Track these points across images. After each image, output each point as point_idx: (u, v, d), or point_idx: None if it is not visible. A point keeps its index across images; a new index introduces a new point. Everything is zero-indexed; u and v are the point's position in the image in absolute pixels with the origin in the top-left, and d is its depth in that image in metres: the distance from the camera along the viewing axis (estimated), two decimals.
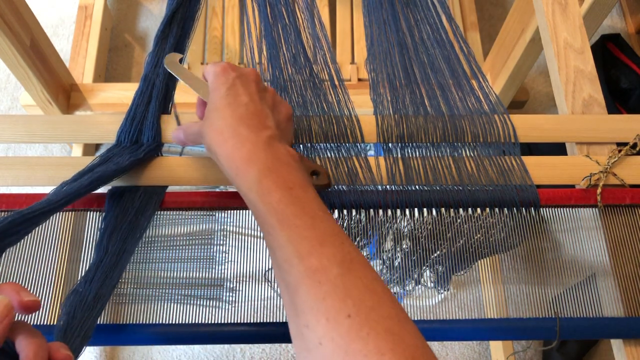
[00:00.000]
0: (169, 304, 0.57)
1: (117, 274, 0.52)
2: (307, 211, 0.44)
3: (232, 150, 0.47)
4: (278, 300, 0.56)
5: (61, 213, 0.57)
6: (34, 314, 0.53)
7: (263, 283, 0.58)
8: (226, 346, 1.14)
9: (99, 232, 0.55)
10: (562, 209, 0.61)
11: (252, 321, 0.56)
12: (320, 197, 0.47)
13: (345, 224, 0.58)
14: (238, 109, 0.49)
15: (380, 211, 0.58)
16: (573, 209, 0.61)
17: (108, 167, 0.56)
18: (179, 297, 0.57)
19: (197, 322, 0.56)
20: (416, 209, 0.59)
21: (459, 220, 0.59)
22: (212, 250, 0.60)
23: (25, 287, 0.54)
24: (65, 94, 1.17)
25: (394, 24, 0.74)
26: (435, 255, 0.59)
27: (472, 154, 0.63)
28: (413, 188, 0.60)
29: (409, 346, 0.37)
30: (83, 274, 0.51)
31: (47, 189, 0.54)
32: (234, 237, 0.60)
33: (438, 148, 0.64)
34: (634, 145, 0.64)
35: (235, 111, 0.49)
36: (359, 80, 1.25)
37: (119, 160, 0.58)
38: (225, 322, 0.56)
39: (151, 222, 0.58)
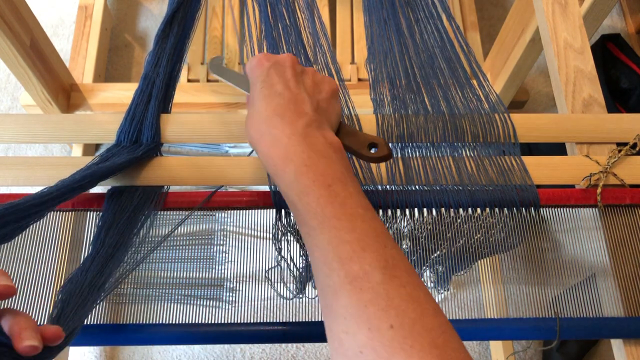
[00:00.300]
0: (169, 304, 0.57)
1: (113, 265, 0.52)
2: (347, 210, 0.42)
3: (269, 147, 0.46)
4: (278, 300, 0.56)
5: (61, 213, 0.58)
6: (34, 313, 0.53)
7: (263, 283, 0.58)
8: (226, 346, 1.14)
9: (96, 228, 0.55)
10: (562, 209, 0.61)
11: (252, 321, 0.56)
12: (363, 191, 0.45)
13: None
14: (273, 100, 0.48)
15: (380, 211, 0.58)
16: (573, 209, 0.61)
17: (103, 165, 0.56)
18: (179, 297, 0.57)
19: (197, 322, 0.56)
20: (416, 209, 0.59)
21: (459, 221, 0.58)
22: (212, 250, 0.60)
23: (25, 287, 0.54)
24: (65, 94, 1.17)
25: (394, 24, 0.74)
26: (435, 255, 0.59)
27: (472, 154, 0.63)
28: (413, 188, 0.60)
29: None
30: (79, 265, 0.51)
31: None
32: (234, 237, 0.60)
33: (438, 148, 0.64)
34: (634, 145, 0.64)
35: (270, 103, 0.48)
36: (359, 80, 1.25)
37: (117, 159, 0.58)
38: (225, 322, 0.56)
39: (151, 222, 0.58)
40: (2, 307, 0.38)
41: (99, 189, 0.57)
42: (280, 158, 0.45)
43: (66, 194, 0.50)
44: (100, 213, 0.56)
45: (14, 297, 0.52)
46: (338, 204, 0.42)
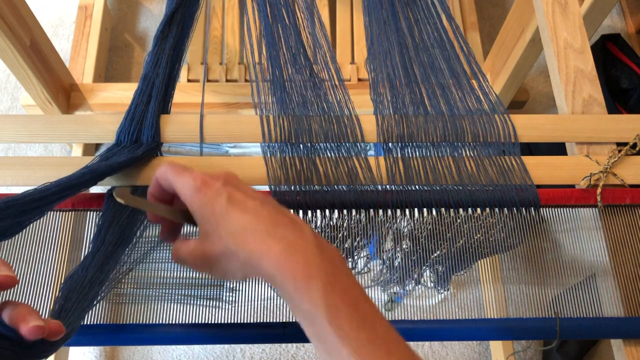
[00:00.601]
0: (169, 304, 0.57)
1: (114, 262, 0.52)
2: (379, 332, 0.38)
3: (283, 260, 0.39)
4: (278, 300, 0.56)
5: (61, 213, 0.58)
6: None
7: (263, 283, 0.58)
8: (226, 346, 1.14)
9: (96, 227, 0.55)
10: (562, 209, 0.61)
11: (252, 321, 0.56)
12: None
13: (345, 224, 0.58)
14: (257, 212, 0.42)
15: (380, 211, 0.58)
16: (573, 209, 0.61)
17: (103, 163, 0.56)
18: (179, 297, 0.57)
19: (197, 322, 0.56)
20: (416, 209, 0.59)
21: (459, 220, 0.59)
22: None
23: (26, 287, 0.54)
24: (65, 94, 1.17)
25: (394, 24, 0.74)
26: (435, 255, 0.59)
27: (472, 154, 0.63)
28: (413, 188, 0.60)
29: None
30: (80, 261, 0.51)
31: None
32: None
33: (438, 148, 0.64)
34: (634, 145, 0.64)
35: (257, 215, 0.42)
36: (359, 80, 1.25)
37: (117, 159, 0.58)
38: (225, 322, 0.56)
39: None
40: (2, 299, 0.38)
41: (99, 189, 0.57)
42: (302, 271, 0.39)
43: (66, 191, 0.50)
44: (101, 212, 0.57)
45: (14, 297, 0.52)
46: (370, 326, 0.38)
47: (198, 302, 0.57)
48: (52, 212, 0.57)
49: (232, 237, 0.41)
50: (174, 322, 0.55)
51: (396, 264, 0.59)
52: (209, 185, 0.43)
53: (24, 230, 0.54)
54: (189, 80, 1.26)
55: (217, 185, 0.44)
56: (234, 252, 0.41)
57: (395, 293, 0.60)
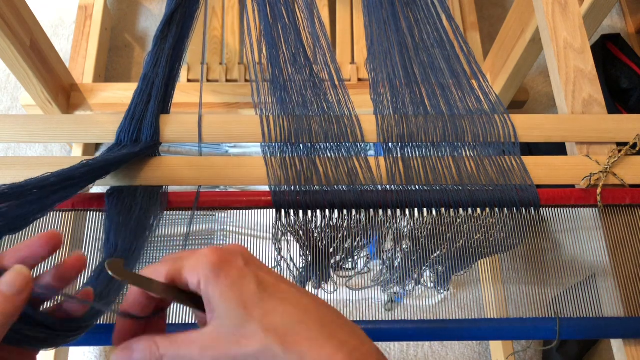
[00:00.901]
0: None
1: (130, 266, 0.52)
2: None
3: None
4: None
5: (61, 213, 0.57)
6: None
7: None
8: None
9: (104, 232, 0.55)
10: (562, 209, 0.61)
11: None
12: None
13: (345, 224, 0.58)
14: (299, 302, 0.36)
15: (380, 211, 0.58)
16: (573, 209, 0.61)
17: (102, 159, 0.56)
18: None
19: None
20: (416, 209, 0.59)
21: (459, 220, 0.58)
22: None
23: None
24: (65, 94, 1.17)
25: (394, 24, 0.74)
26: (435, 255, 0.59)
27: (472, 154, 0.63)
28: (413, 188, 0.60)
29: None
30: (93, 269, 0.51)
31: None
32: (234, 237, 0.60)
33: (438, 148, 0.64)
34: (634, 145, 0.64)
35: (303, 308, 0.35)
36: (359, 80, 1.25)
37: (115, 156, 0.58)
38: None
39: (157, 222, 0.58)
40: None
41: (99, 189, 0.57)
42: None
43: (65, 182, 0.50)
44: (102, 214, 0.56)
45: None
46: None
47: None
48: (52, 212, 0.57)
49: (275, 334, 0.34)
50: (173, 322, 0.55)
51: (396, 264, 0.59)
52: (230, 263, 0.36)
53: (25, 231, 0.54)
54: (189, 80, 1.26)
55: (238, 264, 0.36)
56: (276, 354, 0.33)
57: (395, 293, 0.60)
